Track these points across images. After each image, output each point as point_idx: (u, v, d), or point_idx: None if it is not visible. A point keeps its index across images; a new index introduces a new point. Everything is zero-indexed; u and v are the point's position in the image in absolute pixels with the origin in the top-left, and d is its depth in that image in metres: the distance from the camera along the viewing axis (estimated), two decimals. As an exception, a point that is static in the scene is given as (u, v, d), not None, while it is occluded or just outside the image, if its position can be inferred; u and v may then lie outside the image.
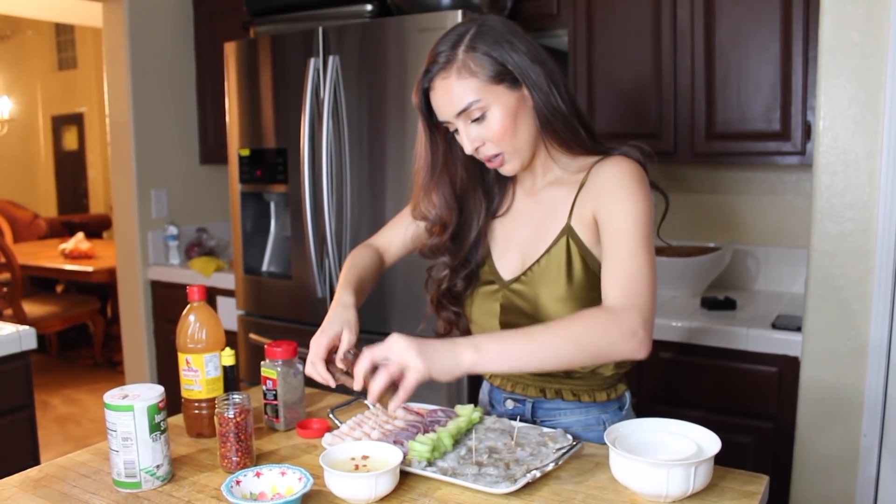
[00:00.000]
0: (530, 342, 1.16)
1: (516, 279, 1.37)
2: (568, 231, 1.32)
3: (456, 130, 1.31)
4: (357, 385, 1.18)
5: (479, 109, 1.26)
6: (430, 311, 1.49)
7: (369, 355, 1.16)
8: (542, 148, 1.34)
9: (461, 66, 1.25)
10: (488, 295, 1.41)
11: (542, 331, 1.17)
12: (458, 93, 1.25)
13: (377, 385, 1.14)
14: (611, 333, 1.15)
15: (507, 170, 1.34)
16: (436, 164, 1.38)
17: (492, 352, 1.14)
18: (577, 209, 1.32)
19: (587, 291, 1.30)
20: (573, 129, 1.31)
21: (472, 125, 1.28)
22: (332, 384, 1.29)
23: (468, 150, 1.30)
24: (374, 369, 1.16)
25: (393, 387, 1.16)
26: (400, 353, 1.13)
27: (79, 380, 5.06)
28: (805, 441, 2.01)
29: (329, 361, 1.29)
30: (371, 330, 2.02)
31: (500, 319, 1.39)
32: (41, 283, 5.63)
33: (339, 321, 1.32)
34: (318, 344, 1.28)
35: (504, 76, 1.25)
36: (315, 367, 1.28)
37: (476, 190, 1.42)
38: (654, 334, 2.24)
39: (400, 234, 1.53)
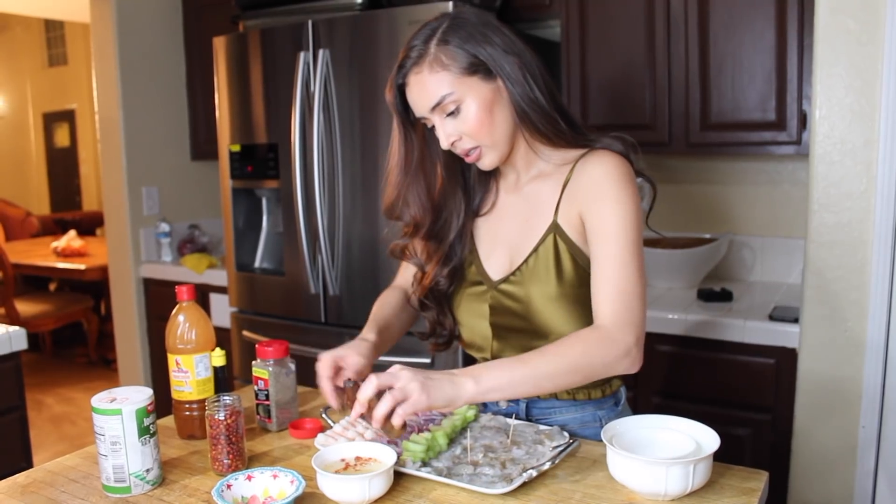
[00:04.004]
0: (529, 370, 1.15)
1: (505, 279, 1.35)
2: (555, 228, 1.30)
3: (433, 126, 1.28)
4: (361, 408, 1.16)
5: (454, 102, 1.23)
6: (416, 309, 1.48)
7: (375, 381, 1.13)
8: (522, 141, 1.32)
9: (433, 59, 1.23)
10: (476, 296, 1.38)
11: (539, 358, 1.16)
12: (431, 87, 1.23)
13: (381, 410, 1.12)
14: (607, 356, 1.17)
15: (485, 164, 1.31)
16: (410, 162, 1.35)
17: (491, 383, 1.14)
18: (564, 207, 1.29)
19: (577, 289, 1.29)
20: (552, 121, 1.28)
21: (447, 119, 1.25)
22: (335, 405, 1.28)
23: (444, 144, 1.28)
24: (379, 395, 1.14)
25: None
26: (404, 382, 1.11)
27: (73, 378, 5.04)
28: (803, 433, 2.00)
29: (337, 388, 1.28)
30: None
31: (490, 321, 1.37)
32: (34, 281, 5.60)
33: (350, 346, 1.32)
34: (324, 363, 1.28)
35: (477, 68, 1.23)
36: (322, 385, 1.27)
37: (455, 189, 1.39)
38: (651, 327, 2.25)
39: (413, 268, 1.50)
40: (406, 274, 1.52)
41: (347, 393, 1.25)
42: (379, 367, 1.21)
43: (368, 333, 1.37)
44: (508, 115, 1.27)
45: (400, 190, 1.37)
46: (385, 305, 1.47)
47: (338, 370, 1.29)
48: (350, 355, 1.30)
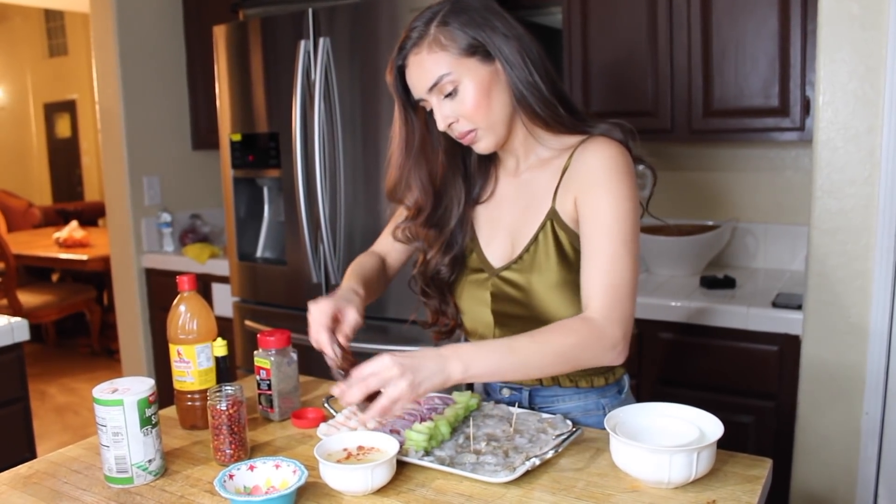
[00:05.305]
0: (518, 360, 1.15)
1: (507, 267, 1.34)
2: (553, 216, 1.29)
3: (433, 110, 1.28)
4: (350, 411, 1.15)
5: (451, 83, 1.23)
6: (419, 300, 1.46)
7: (363, 386, 1.10)
8: (521, 126, 1.30)
9: (432, 40, 1.23)
10: (478, 284, 1.38)
11: (528, 344, 1.16)
12: (429, 67, 1.23)
13: (371, 416, 1.11)
14: (595, 350, 1.18)
15: (480, 147, 1.30)
16: (411, 144, 1.35)
17: (479, 370, 1.14)
18: (561, 195, 1.29)
19: (579, 275, 1.27)
20: (551, 106, 1.27)
21: (445, 101, 1.25)
22: (332, 362, 1.24)
23: (441, 126, 1.27)
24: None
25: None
26: (393, 383, 1.09)
27: (76, 369, 5.05)
28: (807, 420, 1.99)
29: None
30: (368, 315, 2.00)
31: (491, 308, 1.36)
32: (36, 272, 5.60)
33: (345, 298, 1.29)
34: (321, 311, 1.24)
35: (476, 49, 1.23)
36: (319, 337, 1.22)
37: (456, 177, 1.39)
38: (654, 314, 2.25)
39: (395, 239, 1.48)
40: (386, 241, 1.51)
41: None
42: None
43: (356, 285, 1.34)
44: (506, 99, 1.26)
45: (402, 172, 1.37)
46: (360, 268, 1.43)
47: (335, 321, 1.26)
48: (348, 309, 1.27)
